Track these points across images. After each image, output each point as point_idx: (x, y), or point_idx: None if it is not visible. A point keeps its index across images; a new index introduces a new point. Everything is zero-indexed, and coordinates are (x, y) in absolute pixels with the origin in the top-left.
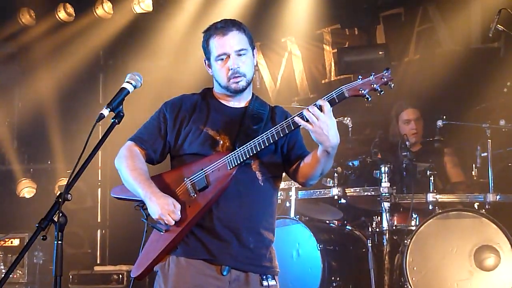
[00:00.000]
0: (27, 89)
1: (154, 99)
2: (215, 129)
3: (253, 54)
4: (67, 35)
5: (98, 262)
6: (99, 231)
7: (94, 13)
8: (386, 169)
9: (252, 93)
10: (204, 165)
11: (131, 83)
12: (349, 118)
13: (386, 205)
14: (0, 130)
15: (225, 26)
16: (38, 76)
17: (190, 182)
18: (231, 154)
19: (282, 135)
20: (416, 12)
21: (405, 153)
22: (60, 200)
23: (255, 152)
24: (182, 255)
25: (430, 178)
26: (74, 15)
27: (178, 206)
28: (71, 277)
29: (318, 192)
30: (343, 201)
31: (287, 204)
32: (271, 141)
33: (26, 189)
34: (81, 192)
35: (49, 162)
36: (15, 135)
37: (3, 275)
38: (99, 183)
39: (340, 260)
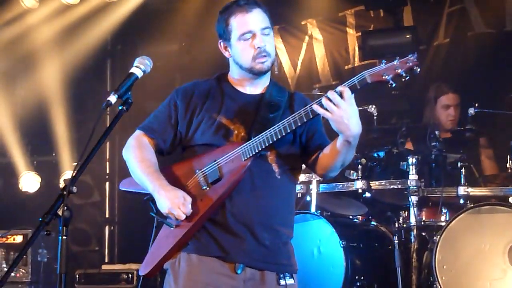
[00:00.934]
0: (30, 77)
1: (166, 85)
2: (229, 118)
3: (273, 34)
4: (72, 18)
5: (106, 260)
6: (107, 227)
7: None
8: (414, 160)
9: (270, 78)
10: (217, 156)
11: (140, 68)
12: (374, 106)
13: (413, 199)
14: (1, 121)
15: (247, 2)
16: (42, 62)
17: (202, 174)
18: (246, 145)
19: (299, 124)
20: None
21: (434, 143)
22: (64, 192)
23: (270, 142)
24: (193, 252)
25: (461, 170)
26: None
27: (189, 199)
28: (77, 276)
29: (340, 185)
30: (367, 194)
31: (308, 198)
32: (288, 131)
33: (29, 183)
34: (87, 186)
35: (53, 154)
36: (17, 125)
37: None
38: (107, 177)
39: (364, 258)
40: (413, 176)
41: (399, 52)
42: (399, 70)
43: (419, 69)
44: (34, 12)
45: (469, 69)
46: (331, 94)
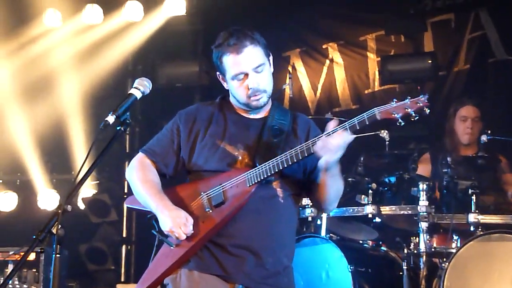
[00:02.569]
0: (50, 95)
1: (185, 106)
2: (233, 144)
3: (270, 63)
4: (94, 38)
5: (122, 280)
6: (124, 246)
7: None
8: (425, 186)
9: (272, 101)
10: (223, 180)
11: (139, 89)
12: (386, 131)
13: (424, 225)
14: (21, 138)
15: (237, 42)
16: (62, 81)
17: (207, 196)
18: (252, 171)
19: (306, 155)
20: (467, 19)
21: (446, 170)
22: (59, 211)
23: (276, 171)
24: (194, 269)
25: (472, 197)
26: (102, 17)
27: (191, 220)
28: None
29: (351, 210)
30: (377, 219)
31: (318, 222)
32: (294, 161)
33: (48, 201)
34: (105, 205)
35: (72, 173)
36: (37, 143)
37: None
38: (125, 196)
39: (373, 283)
40: (423, 202)
41: (419, 77)
42: (409, 110)
43: (428, 110)
44: (56, 31)
45: (489, 95)
46: (324, 141)
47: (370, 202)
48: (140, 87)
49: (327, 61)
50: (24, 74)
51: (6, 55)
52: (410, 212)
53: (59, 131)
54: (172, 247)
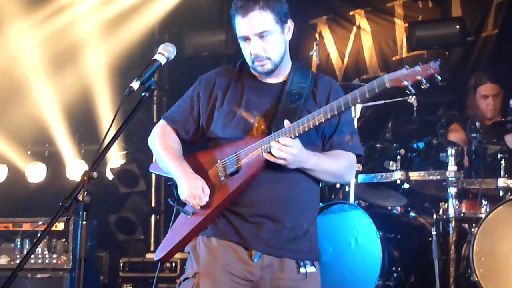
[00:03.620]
0: (77, 66)
1: None
2: (249, 111)
3: (283, 31)
4: (120, 8)
5: (152, 249)
6: (153, 216)
7: None
8: (453, 151)
9: (293, 62)
10: (238, 148)
11: (163, 55)
12: (414, 97)
13: (452, 190)
14: (49, 109)
15: (245, 5)
16: (89, 51)
17: (222, 164)
18: (265, 139)
19: (323, 121)
20: None
21: (475, 135)
22: (85, 178)
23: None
24: (212, 236)
25: (501, 161)
26: None
27: (207, 190)
28: (122, 264)
29: (379, 176)
30: (406, 185)
31: (346, 189)
32: (307, 130)
33: (76, 171)
34: (134, 175)
35: (100, 143)
36: (64, 114)
37: (46, 261)
38: None
39: (402, 249)
40: (452, 167)
41: (447, 42)
42: (419, 77)
43: (440, 78)
44: (82, 1)
45: None
46: (276, 149)
47: (398, 168)
48: (165, 52)
49: (354, 28)
50: (51, 44)
51: (32, 26)
52: (438, 177)
53: (86, 101)
54: (188, 216)
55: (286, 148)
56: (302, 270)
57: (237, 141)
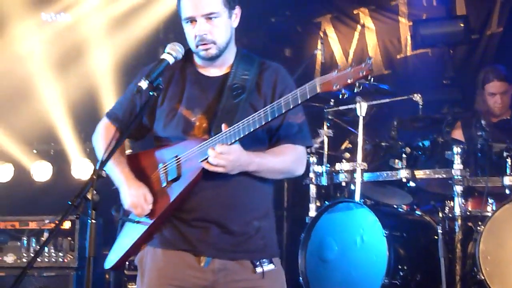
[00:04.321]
0: (82, 64)
1: None
2: (190, 109)
3: (231, 16)
4: (125, 7)
5: None
6: None
7: None
8: (459, 150)
9: (238, 49)
10: (179, 151)
11: (171, 54)
12: (419, 95)
13: (458, 188)
14: (55, 108)
15: None
16: (94, 50)
17: (164, 169)
18: (204, 144)
19: (263, 123)
20: None
21: (480, 133)
22: (94, 176)
23: (231, 142)
24: (158, 246)
25: (507, 159)
26: None
27: (150, 198)
28: (127, 263)
29: (385, 174)
30: (412, 184)
31: (352, 187)
32: (247, 132)
33: (82, 170)
34: None
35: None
36: (70, 112)
37: (53, 259)
38: None
39: (408, 247)
40: (458, 166)
41: (451, 41)
42: (350, 80)
43: (372, 79)
44: (88, 0)
45: None
46: (213, 157)
47: (404, 166)
48: (172, 52)
49: (359, 27)
50: (57, 43)
51: (38, 24)
52: (444, 176)
53: (91, 100)
54: (133, 223)
55: (223, 155)
56: (259, 269)
57: (178, 143)
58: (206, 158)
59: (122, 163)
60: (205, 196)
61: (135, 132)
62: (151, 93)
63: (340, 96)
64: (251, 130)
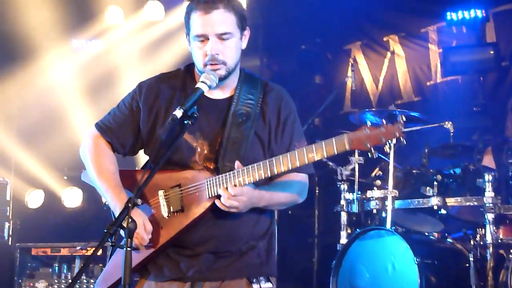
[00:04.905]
0: (113, 90)
1: None
2: (192, 133)
3: (242, 38)
4: (156, 34)
5: None
6: None
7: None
8: (490, 177)
9: (241, 72)
10: (182, 182)
11: (205, 83)
12: (450, 123)
13: (490, 216)
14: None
15: (208, 1)
16: (125, 77)
17: (165, 199)
18: (213, 179)
19: (271, 175)
20: None
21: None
22: (129, 205)
23: (236, 183)
24: (152, 279)
25: None
26: (164, 13)
27: (149, 228)
28: None
29: (416, 202)
30: (443, 211)
31: (383, 214)
32: (259, 179)
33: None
34: None
35: (135, 168)
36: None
37: (84, 286)
38: None
39: (439, 275)
40: (489, 193)
41: (481, 68)
42: (383, 140)
43: (405, 142)
44: (118, 28)
45: None
46: (227, 199)
47: (435, 193)
48: (207, 81)
49: (388, 54)
50: (88, 71)
51: (69, 53)
52: (475, 203)
53: None
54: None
55: (237, 197)
56: (255, 286)
57: (180, 172)
58: (216, 196)
59: (118, 187)
60: (204, 231)
61: (130, 149)
62: (185, 122)
63: (369, 156)
64: (270, 175)
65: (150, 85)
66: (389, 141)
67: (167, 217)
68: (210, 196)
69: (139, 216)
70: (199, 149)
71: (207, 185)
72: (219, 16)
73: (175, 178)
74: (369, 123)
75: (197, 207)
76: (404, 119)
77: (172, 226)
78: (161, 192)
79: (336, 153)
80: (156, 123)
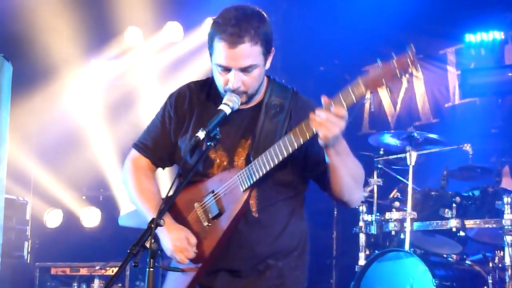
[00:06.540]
0: (133, 112)
1: None
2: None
3: (266, 61)
4: (175, 55)
5: None
6: None
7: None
8: (509, 199)
9: (268, 78)
10: (214, 186)
11: (228, 105)
12: (469, 145)
13: (509, 238)
14: (105, 154)
15: (235, 34)
16: (144, 97)
17: (202, 208)
18: (244, 171)
19: (296, 146)
20: None
21: None
22: (152, 225)
23: (269, 169)
24: None
25: None
26: (183, 34)
27: (194, 241)
28: None
29: (434, 224)
30: (462, 233)
31: (401, 236)
32: (287, 153)
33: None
34: None
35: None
36: (120, 159)
37: None
38: None
39: None
40: (508, 216)
41: (500, 90)
42: (398, 73)
43: (419, 65)
44: (138, 49)
45: None
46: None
47: (454, 215)
48: (229, 102)
49: (407, 75)
50: (107, 91)
51: (89, 73)
52: (494, 225)
53: None
54: (179, 272)
55: (342, 119)
56: None
57: (210, 178)
58: (251, 186)
59: (156, 206)
60: (228, 247)
61: (168, 161)
62: (208, 143)
63: (388, 93)
64: (298, 143)
65: (179, 93)
66: (405, 72)
67: (207, 226)
68: (244, 188)
69: (181, 230)
70: (217, 160)
71: (239, 179)
72: (245, 50)
73: (207, 185)
74: (379, 60)
75: (235, 204)
76: (413, 48)
77: (215, 232)
78: (196, 204)
79: (355, 100)
80: (187, 132)
